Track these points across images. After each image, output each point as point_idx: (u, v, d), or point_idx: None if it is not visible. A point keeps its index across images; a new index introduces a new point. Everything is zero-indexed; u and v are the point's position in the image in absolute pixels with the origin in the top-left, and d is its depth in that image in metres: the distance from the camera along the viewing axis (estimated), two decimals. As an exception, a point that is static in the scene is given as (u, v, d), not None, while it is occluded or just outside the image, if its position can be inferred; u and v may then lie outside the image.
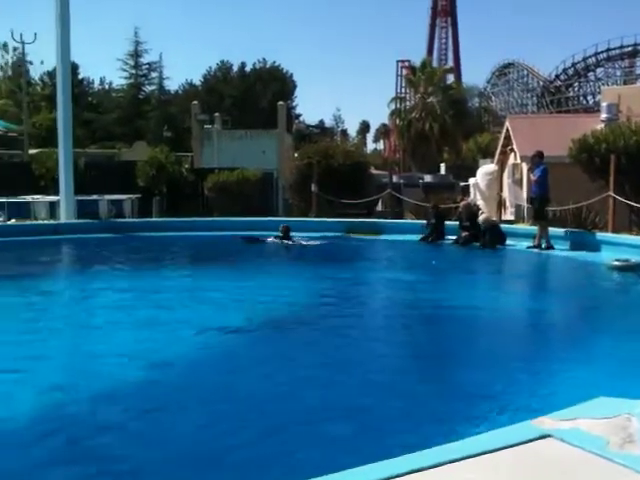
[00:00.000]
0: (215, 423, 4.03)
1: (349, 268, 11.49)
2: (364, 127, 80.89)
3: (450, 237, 14.32)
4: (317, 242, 14.24)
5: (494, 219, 15.13)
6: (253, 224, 16.42)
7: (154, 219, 18.77)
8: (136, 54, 56.16)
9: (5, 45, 41.07)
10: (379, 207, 22.09)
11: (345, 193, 18.53)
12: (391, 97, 45.28)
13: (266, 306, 7.66)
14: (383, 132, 66.49)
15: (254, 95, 52.28)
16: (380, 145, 73.91)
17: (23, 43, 30.40)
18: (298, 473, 2.88)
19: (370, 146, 78.24)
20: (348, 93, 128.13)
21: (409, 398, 4.45)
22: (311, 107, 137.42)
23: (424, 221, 15.31)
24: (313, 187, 18.84)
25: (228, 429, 3.90)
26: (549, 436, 2.20)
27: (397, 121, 42.31)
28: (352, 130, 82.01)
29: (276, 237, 14.04)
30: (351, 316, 7.28)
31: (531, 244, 12.98)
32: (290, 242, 13.97)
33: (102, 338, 6.22)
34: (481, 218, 13.99)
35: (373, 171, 26.30)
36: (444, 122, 38.09)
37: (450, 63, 67.03)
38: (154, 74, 57.78)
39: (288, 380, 4.80)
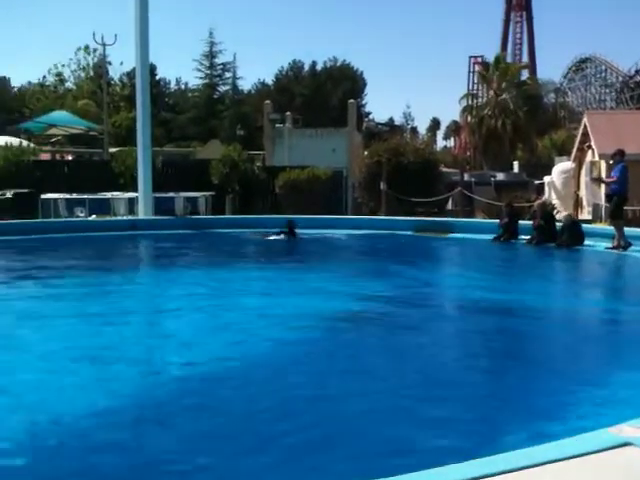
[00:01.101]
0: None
1: (417, 266, 11.42)
2: (434, 124, 79.92)
3: (523, 237, 13.99)
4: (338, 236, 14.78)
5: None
6: (321, 222, 16.55)
7: (227, 216, 19.22)
8: (211, 55, 57.55)
9: (87, 47, 42.89)
10: (449, 206, 21.82)
11: (415, 191, 18.40)
12: (463, 94, 44.51)
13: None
14: (454, 129, 65.44)
15: (324, 94, 52.57)
16: (450, 142, 72.83)
17: (104, 45, 31.62)
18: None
19: (440, 143, 77.25)
20: (418, 90, 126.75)
21: (483, 400, 4.43)
22: (381, 105, 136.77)
23: (497, 220, 15.03)
24: (382, 185, 18.80)
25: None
26: (630, 444, 2.16)
27: (468, 118, 41.55)
28: (422, 127, 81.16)
29: (280, 232, 14.41)
30: (420, 317, 7.25)
31: (610, 245, 12.51)
32: (294, 237, 14.39)
33: (201, 324, 6.64)
34: (561, 215, 13.59)
35: (443, 169, 25.98)
36: (517, 119, 37.11)
37: (525, 58, 65.27)
38: (228, 74, 59.08)
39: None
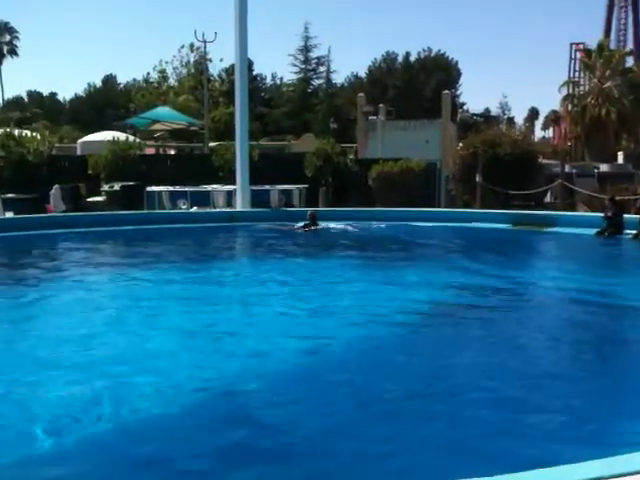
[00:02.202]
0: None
1: (515, 260, 11.19)
2: (532, 114, 77.03)
3: (629, 231, 13.36)
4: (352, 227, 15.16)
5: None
6: (414, 215, 16.49)
7: (321, 208, 19.50)
8: (306, 49, 58.23)
9: (192, 45, 44.60)
10: (547, 198, 21.10)
11: (511, 184, 17.94)
12: (562, 82, 42.67)
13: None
14: (553, 119, 62.79)
15: (417, 85, 51.95)
16: (549, 133, 69.99)
17: (205, 42, 32.77)
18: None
19: (538, 134, 74.39)
20: (515, 79, 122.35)
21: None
22: (476, 95, 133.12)
23: (601, 214, 14.42)
24: (478, 177, 18.46)
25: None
26: None
27: (569, 107, 39.79)
28: (519, 118, 78.48)
29: (304, 225, 14.86)
30: (523, 314, 7.17)
31: None
32: (316, 227, 14.83)
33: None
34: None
35: (542, 160, 25.10)
36: (623, 107, 35.19)
37: (630, 45, 61.58)
38: (322, 68, 59.56)
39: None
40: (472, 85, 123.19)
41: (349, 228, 15.34)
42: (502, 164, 18.51)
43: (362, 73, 58.43)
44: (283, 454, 3.72)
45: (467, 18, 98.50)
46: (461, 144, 22.85)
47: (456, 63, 57.05)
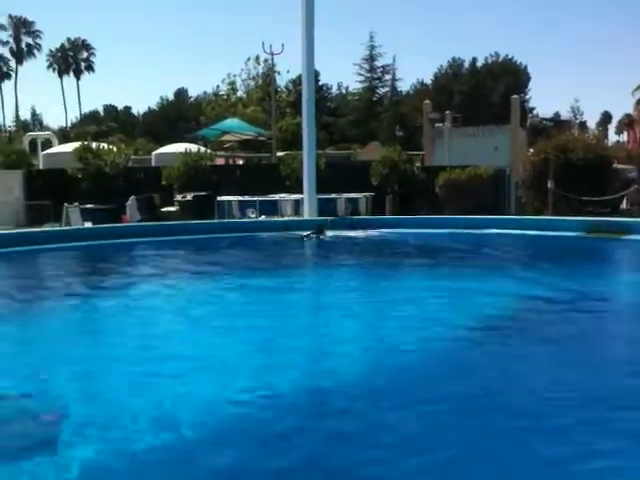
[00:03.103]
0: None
1: (590, 270, 10.88)
2: (605, 118, 74.42)
3: None
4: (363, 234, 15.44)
5: None
6: (483, 222, 16.25)
7: (387, 217, 19.51)
8: (371, 58, 58.47)
9: (257, 57, 45.61)
10: (624, 205, 20.35)
11: (585, 190, 17.43)
12: (636, 85, 41.10)
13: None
14: (626, 123, 60.49)
15: (485, 90, 51.17)
16: (623, 137, 67.41)
17: (272, 54, 33.43)
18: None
19: (612, 138, 71.77)
20: (587, 83, 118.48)
21: None
22: (546, 99, 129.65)
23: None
24: (549, 184, 18.04)
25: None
26: None
27: (645, 110, 38.30)
28: (591, 122, 75.91)
29: (311, 233, 15.16)
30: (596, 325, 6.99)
31: None
32: (323, 236, 15.09)
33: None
34: None
35: (616, 165, 24.25)
36: None
37: None
38: (387, 76, 59.63)
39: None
40: (541, 89, 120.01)
41: (367, 234, 15.64)
42: (575, 169, 18.01)
43: (428, 80, 58.16)
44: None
45: (535, 21, 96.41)
46: (531, 150, 22.36)
47: (525, 67, 55.92)
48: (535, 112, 58.97)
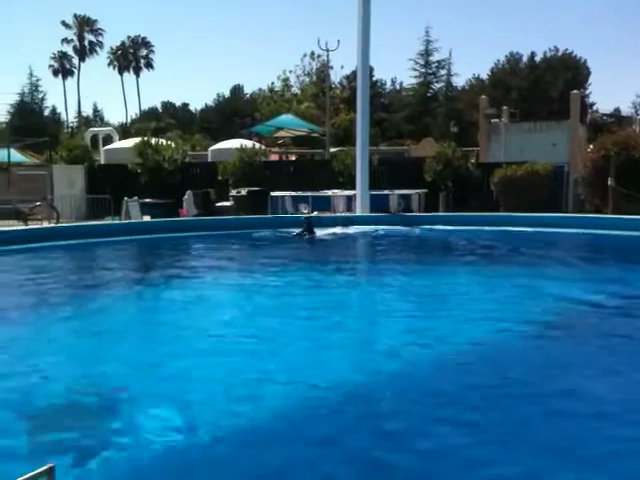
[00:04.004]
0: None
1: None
2: (671, 113, 71.51)
3: None
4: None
5: None
6: (540, 220, 15.94)
7: (441, 213, 19.35)
8: (426, 53, 57.84)
9: (312, 54, 45.81)
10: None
11: (648, 187, 16.88)
12: None
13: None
14: (695, 117, 57.98)
15: (543, 85, 49.96)
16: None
17: (327, 50, 33.49)
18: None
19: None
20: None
21: None
22: (606, 94, 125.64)
23: None
24: (610, 181, 17.54)
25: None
26: None
27: None
28: (656, 117, 73.00)
29: (299, 233, 14.86)
30: None
31: None
32: (312, 235, 14.78)
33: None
34: None
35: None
36: None
37: None
38: (443, 71, 58.90)
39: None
40: (602, 84, 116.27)
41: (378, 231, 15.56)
42: (637, 166, 17.47)
43: (484, 75, 57.14)
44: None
45: (596, 15, 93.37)
46: (591, 146, 21.77)
47: (585, 62, 54.28)
48: (595, 108, 57.28)
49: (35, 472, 2.10)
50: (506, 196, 19.82)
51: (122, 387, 5.01)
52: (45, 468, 2.12)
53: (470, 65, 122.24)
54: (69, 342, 6.45)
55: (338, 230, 16.08)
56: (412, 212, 19.34)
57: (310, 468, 3.73)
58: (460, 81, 62.65)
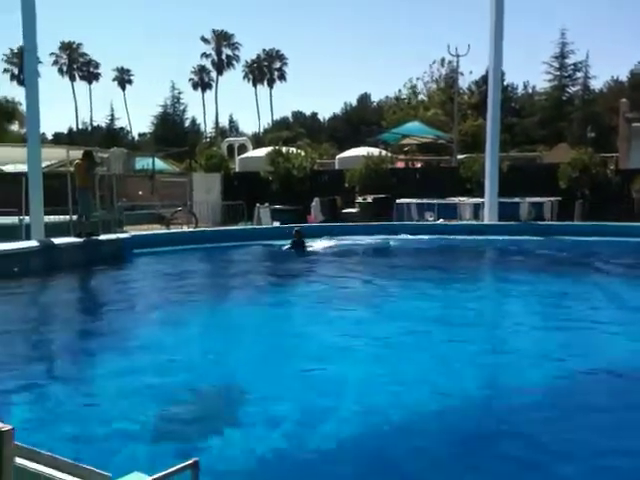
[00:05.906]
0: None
1: None
2: None
3: None
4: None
5: None
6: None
7: (576, 223, 18.49)
8: (562, 56, 55.42)
9: (442, 59, 45.45)
10: None
11: None
12: None
13: None
14: None
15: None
16: None
17: (457, 56, 33.09)
18: None
19: None
20: None
21: None
22: None
23: None
24: None
25: None
26: None
27: None
28: None
29: (291, 246, 14.04)
30: None
31: None
32: (305, 247, 13.90)
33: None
34: None
35: None
36: None
37: None
38: (579, 74, 56.10)
39: None
40: None
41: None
42: None
43: (623, 77, 53.73)
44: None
45: None
46: None
47: None
48: None
49: (179, 466, 2.10)
50: (648, 205, 18.59)
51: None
52: (190, 462, 2.12)
53: (608, 67, 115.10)
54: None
55: (332, 243, 15.80)
56: (544, 221, 18.65)
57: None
58: (598, 84, 59.39)
